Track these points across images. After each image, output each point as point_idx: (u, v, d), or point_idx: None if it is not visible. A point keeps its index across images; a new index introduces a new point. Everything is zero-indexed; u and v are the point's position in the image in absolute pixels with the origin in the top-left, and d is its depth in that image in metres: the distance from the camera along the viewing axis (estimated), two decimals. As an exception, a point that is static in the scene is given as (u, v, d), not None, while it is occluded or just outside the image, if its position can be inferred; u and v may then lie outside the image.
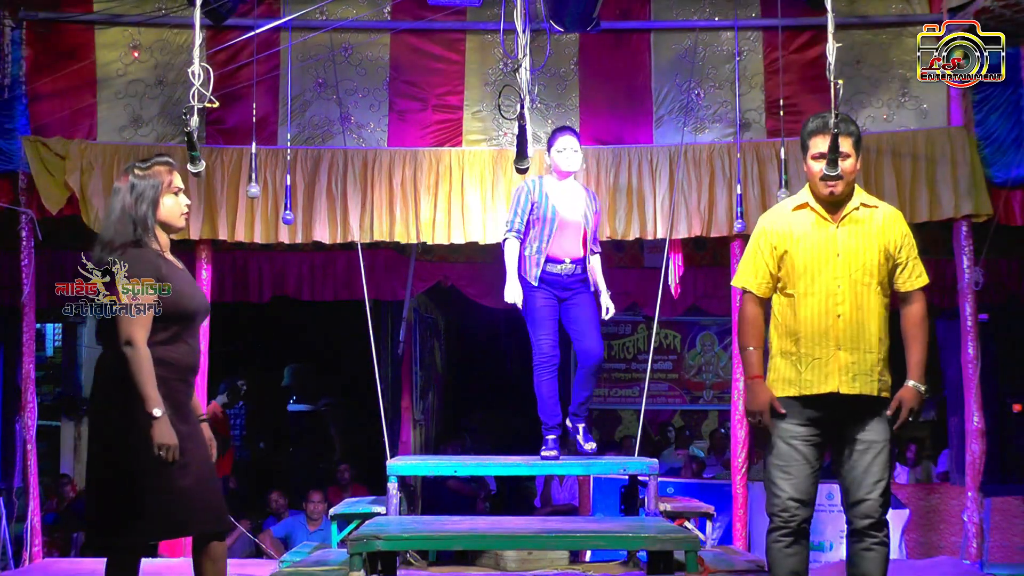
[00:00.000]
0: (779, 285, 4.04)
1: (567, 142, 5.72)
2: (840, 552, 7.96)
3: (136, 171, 3.82)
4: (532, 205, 5.65)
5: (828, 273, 3.95)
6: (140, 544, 3.72)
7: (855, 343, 3.92)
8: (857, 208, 4.03)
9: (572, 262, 5.66)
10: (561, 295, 5.68)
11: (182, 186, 3.90)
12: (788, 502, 3.92)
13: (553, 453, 5.63)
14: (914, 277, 4.03)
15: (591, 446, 5.75)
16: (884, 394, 3.96)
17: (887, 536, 3.93)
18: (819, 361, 3.93)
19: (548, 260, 5.63)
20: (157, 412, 3.58)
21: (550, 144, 5.78)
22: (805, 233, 4.00)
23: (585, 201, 5.77)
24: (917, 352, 3.99)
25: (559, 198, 5.69)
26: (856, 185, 4.08)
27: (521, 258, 5.67)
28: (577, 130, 6.13)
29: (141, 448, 3.60)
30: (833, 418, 3.95)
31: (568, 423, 5.85)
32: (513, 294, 5.62)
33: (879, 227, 3.99)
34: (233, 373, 10.09)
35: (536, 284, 5.62)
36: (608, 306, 5.79)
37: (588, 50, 6.84)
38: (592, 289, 5.78)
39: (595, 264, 5.84)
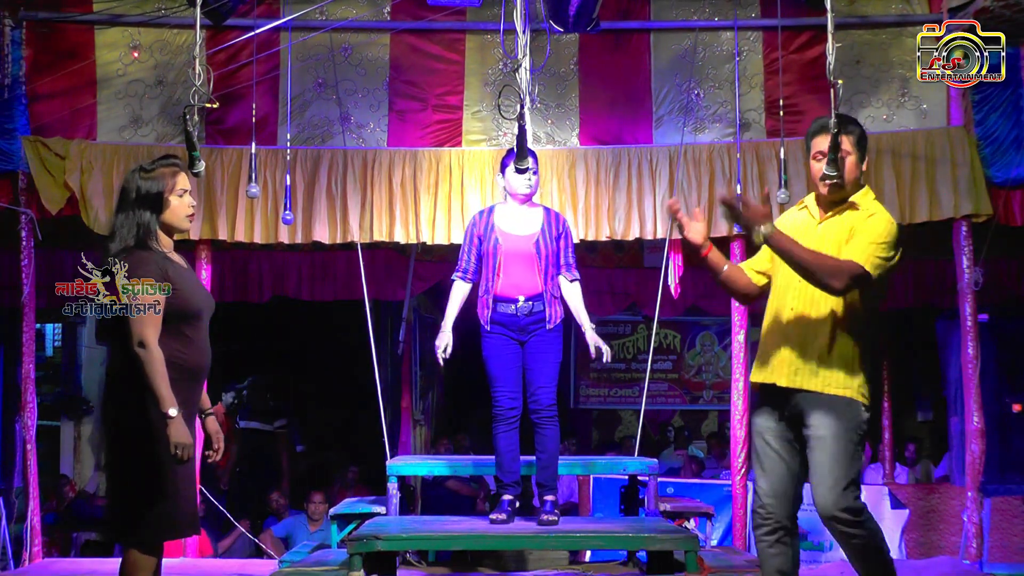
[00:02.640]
0: None
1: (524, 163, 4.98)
2: (840, 552, 7.96)
3: (141, 174, 3.82)
4: (479, 240, 5.04)
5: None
6: (158, 542, 3.75)
7: (802, 338, 3.86)
8: (846, 208, 3.96)
9: (528, 299, 4.95)
10: (520, 338, 4.99)
11: (188, 187, 3.87)
12: (764, 499, 3.87)
13: (503, 517, 4.94)
14: (855, 253, 3.77)
15: (550, 518, 4.94)
16: (832, 391, 3.81)
17: (862, 527, 3.77)
18: (768, 352, 3.91)
19: (497, 299, 4.97)
20: (172, 412, 3.59)
21: (504, 165, 5.09)
22: (789, 227, 3.97)
23: (543, 227, 5.02)
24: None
25: (509, 227, 5.03)
26: (867, 188, 3.98)
27: (477, 300, 5.08)
28: (576, 128, 6.08)
29: (155, 448, 3.61)
30: (792, 414, 3.90)
31: (535, 490, 5.22)
32: (440, 343, 4.97)
33: (851, 225, 3.87)
34: (233, 374, 10.06)
35: (489, 328, 4.99)
36: (598, 345, 4.97)
37: (588, 50, 6.84)
38: (551, 327, 5.00)
39: (571, 294, 5.05)
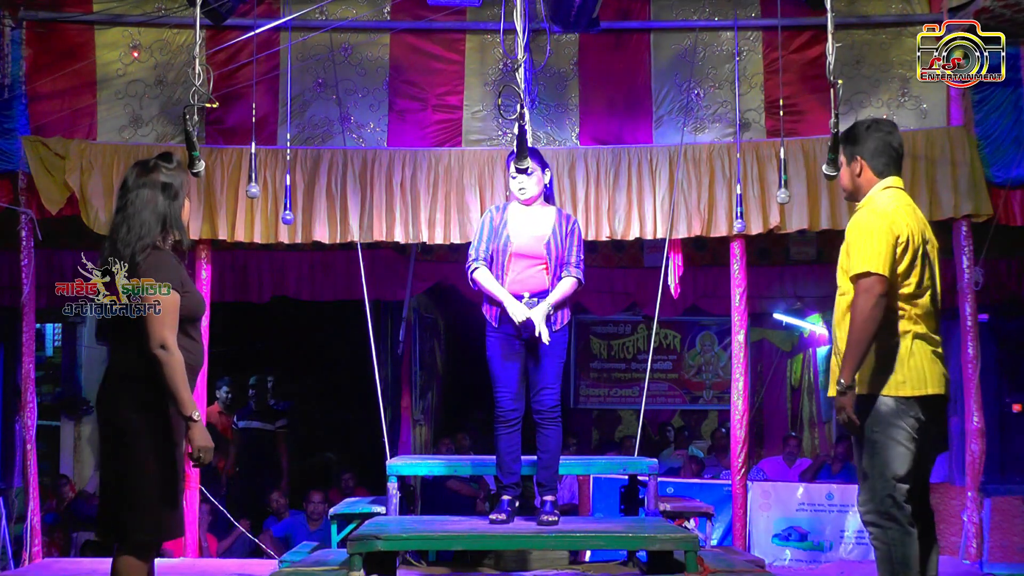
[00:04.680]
0: None
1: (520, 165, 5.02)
2: (840, 552, 7.98)
3: (165, 169, 3.76)
4: (493, 232, 5.06)
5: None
6: (154, 543, 3.74)
7: (834, 350, 4.01)
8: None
9: (532, 296, 4.96)
10: (524, 336, 5.00)
11: None
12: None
13: (502, 517, 4.99)
14: (851, 268, 3.91)
15: (549, 519, 4.99)
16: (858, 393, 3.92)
17: (876, 538, 3.85)
18: None
19: None
20: (196, 416, 3.58)
21: (507, 165, 5.14)
22: None
23: (553, 227, 5.03)
24: (843, 347, 3.89)
25: (519, 227, 5.04)
26: (876, 188, 4.00)
27: (484, 297, 5.06)
28: (576, 128, 6.01)
29: (172, 451, 3.61)
30: None
31: (535, 490, 5.18)
32: (520, 311, 4.89)
33: (847, 234, 3.99)
34: (233, 374, 10.05)
35: (497, 326, 5.01)
36: (543, 332, 4.90)
37: (588, 50, 6.84)
38: (556, 328, 4.99)
39: (562, 281, 5.00)
